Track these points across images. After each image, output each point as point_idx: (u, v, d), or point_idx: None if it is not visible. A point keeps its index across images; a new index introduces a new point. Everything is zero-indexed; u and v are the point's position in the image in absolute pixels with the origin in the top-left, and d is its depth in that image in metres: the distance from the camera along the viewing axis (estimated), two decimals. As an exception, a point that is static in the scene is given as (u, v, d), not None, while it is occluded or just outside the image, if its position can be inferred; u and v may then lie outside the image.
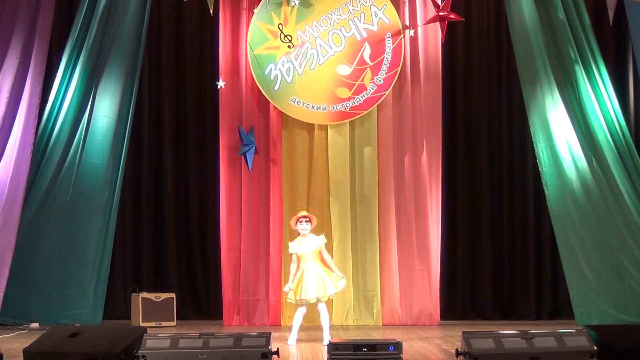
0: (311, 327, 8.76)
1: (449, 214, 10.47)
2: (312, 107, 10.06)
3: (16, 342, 7.79)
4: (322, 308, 8.06)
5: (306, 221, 8.22)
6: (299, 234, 8.22)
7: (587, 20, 9.87)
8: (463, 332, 6.13)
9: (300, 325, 8.11)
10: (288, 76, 10.05)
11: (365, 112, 10.08)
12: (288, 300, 8.27)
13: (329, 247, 9.62)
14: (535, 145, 9.94)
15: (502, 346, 5.93)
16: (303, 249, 8.09)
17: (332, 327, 8.45)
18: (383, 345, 6.11)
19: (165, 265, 10.75)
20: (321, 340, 8.00)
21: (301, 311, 8.10)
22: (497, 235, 10.77)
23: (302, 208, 9.96)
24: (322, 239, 8.22)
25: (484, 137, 10.82)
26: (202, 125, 10.83)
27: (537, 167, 9.95)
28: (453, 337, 8.27)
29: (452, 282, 10.64)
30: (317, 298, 7.97)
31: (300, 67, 10.07)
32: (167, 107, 10.88)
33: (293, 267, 8.15)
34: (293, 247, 8.17)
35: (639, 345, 6.03)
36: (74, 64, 9.80)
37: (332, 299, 8.76)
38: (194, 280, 10.77)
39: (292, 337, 8.01)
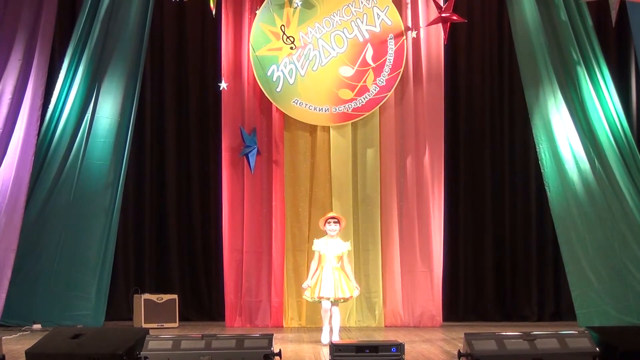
0: (313, 328, 8.76)
1: (451, 215, 10.47)
2: (315, 108, 10.05)
3: (18, 343, 7.80)
4: (335, 310, 8.05)
5: (334, 222, 8.24)
6: (326, 234, 8.24)
7: (589, 22, 9.85)
8: (465, 334, 6.14)
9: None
10: (290, 77, 10.05)
11: (367, 114, 10.08)
12: (304, 297, 8.30)
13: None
14: (537, 147, 9.93)
15: (504, 348, 5.93)
16: (327, 250, 8.10)
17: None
18: (385, 347, 6.11)
19: (168, 266, 10.73)
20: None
21: (326, 306, 8.05)
22: (499, 237, 10.76)
23: (304, 209, 9.99)
24: (347, 246, 8.25)
25: (486, 138, 10.81)
26: (204, 126, 10.82)
27: (540, 168, 9.95)
28: (455, 339, 8.27)
29: (455, 283, 10.63)
30: (333, 298, 7.97)
31: (302, 69, 10.06)
32: (170, 109, 10.87)
33: (314, 264, 8.18)
34: (318, 245, 8.18)
35: (641, 346, 6.03)
36: (76, 65, 9.80)
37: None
38: (196, 281, 10.76)
39: (324, 335, 7.98)
